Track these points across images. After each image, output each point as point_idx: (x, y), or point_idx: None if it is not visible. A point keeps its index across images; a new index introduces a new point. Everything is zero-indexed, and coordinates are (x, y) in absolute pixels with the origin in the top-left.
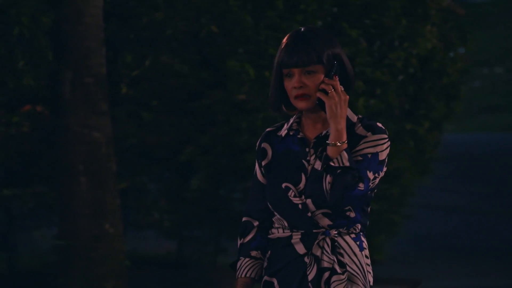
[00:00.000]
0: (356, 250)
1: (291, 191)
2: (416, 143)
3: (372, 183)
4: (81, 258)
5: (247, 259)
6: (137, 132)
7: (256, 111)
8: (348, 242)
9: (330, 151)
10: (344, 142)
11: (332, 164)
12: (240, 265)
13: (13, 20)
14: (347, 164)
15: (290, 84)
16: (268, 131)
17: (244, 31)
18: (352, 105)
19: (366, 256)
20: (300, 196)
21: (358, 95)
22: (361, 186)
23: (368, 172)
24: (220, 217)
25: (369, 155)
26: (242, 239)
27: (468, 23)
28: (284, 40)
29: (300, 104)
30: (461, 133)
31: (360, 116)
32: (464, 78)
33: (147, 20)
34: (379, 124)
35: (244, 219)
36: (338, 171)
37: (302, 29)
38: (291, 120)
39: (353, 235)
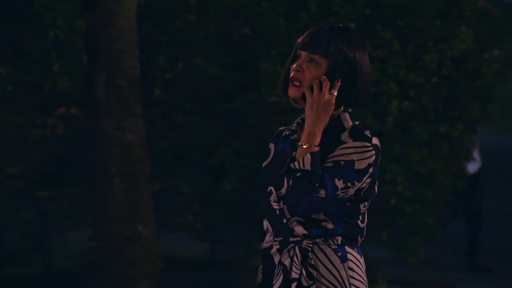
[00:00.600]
0: (336, 261)
1: (272, 195)
2: (450, 145)
3: (342, 192)
4: (115, 259)
5: (261, 266)
6: (170, 134)
7: (288, 114)
8: (326, 252)
9: (298, 152)
10: (314, 145)
11: (292, 166)
12: (259, 272)
13: (49, 23)
14: (308, 167)
15: (293, 66)
16: (280, 130)
17: (277, 33)
18: (385, 108)
19: (351, 269)
20: (278, 202)
21: (391, 97)
22: (322, 193)
23: (336, 179)
24: (252, 219)
25: (342, 162)
26: (261, 244)
27: (504, 24)
28: (314, 26)
29: (290, 90)
30: (496, 135)
31: (356, 123)
32: (499, 80)
33: (180, 23)
34: (366, 132)
35: (263, 221)
36: (298, 174)
37: (336, 25)
38: (296, 120)
39: (333, 246)
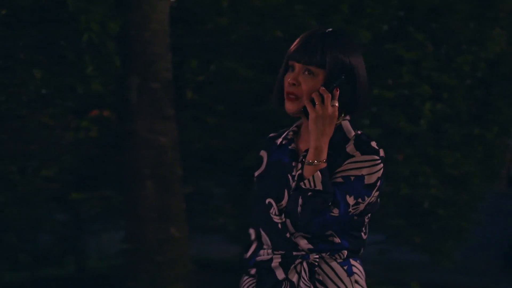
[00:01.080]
0: (343, 275)
1: (272, 208)
2: (484, 148)
3: (353, 209)
4: (148, 261)
5: (246, 277)
6: (202, 136)
7: None
8: (332, 266)
9: (305, 170)
10: (322, 161)
11: (302, 185)
12: (241, 284)
13: (83, 26)
14: (319, 186)
15: (287, 79)
16: (270, 136)
17: None
18: (418, 110)
19: (356, 282)
20: (280, 215)
21: (424, 99)
22: (335, 212)
23: (347, 196)
24: None
25: (352, 178)
26: (245, 254)
27: None
28: (304, 33)
29: (287, 105)
30: None
31: (359, 132)
32: None
33: (212, 26)
34: (373, 144)
35: (249, 230)
36: (309, 193)
37: (327, 29)
38: (291, 128)
39: (339, 260)
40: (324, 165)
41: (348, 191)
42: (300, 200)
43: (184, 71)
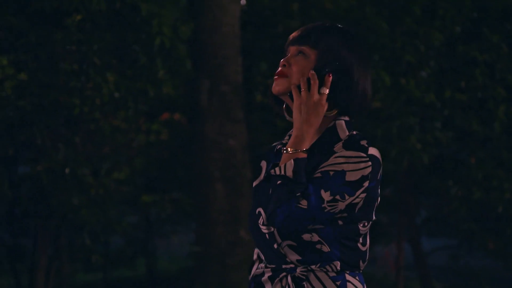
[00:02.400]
0: None
1: (261, 217)
2: None
3: (329, 206)
4: (217, 264)
5: None
6: (271, 139)
7: (391, 119)
8: (322, 280)
9: (282, 158)
10: (301, 151)
11: (272, 172)
12: None
13: (155, 30)
14: (290, 174)
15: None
16: (273, 145)
17: (380, 38)
18: (492, 113)
19: None
20: (268, 225)
21: (498, 102)
22: (304, 203)
23: (322, 191)
24: None
25: (331, 173)
26: (249, 275)
27: None
28: None
29: (273, 86)
30: None
31: (354, 133)
32: None
33: (282, 29)
34: (363, 142)
35: (255, 249)
36: (278, 182)
37: (334, 23)
38: (289, 132)
39: (332, 274)
40: (303, 155)
41: (323, 185)
42: (269, 190)
43: (254, 74)
